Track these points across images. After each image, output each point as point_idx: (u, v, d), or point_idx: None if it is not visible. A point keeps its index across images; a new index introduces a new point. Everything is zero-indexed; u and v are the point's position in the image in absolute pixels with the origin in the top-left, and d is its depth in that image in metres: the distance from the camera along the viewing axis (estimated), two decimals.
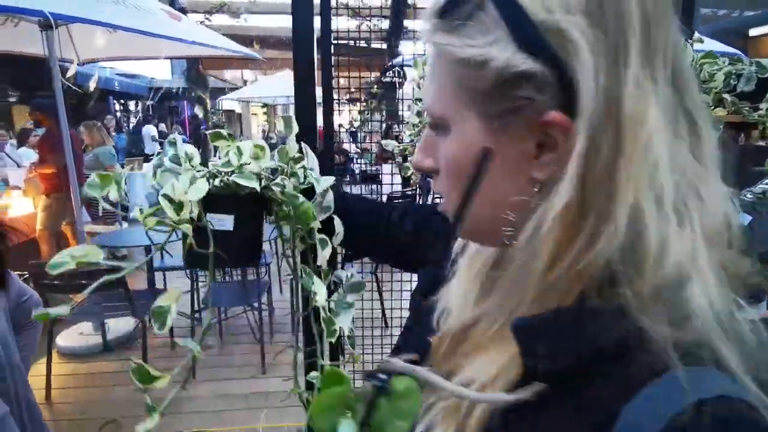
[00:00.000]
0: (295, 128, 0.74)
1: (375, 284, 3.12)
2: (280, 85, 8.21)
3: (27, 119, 6.11)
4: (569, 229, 0.33)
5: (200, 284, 3.00)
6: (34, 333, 1.31)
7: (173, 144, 0.68)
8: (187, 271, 2.93)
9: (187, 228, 0.60)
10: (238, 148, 0.68)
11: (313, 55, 1.48)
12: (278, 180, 0.66)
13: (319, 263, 0.72)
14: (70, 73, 2.58)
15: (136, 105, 12.86)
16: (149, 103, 11.89)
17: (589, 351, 0.32)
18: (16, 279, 1.23)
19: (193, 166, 0.65)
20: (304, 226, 0.67)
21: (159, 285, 3.29)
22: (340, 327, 0.70)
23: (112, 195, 0.63)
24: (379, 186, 6.41)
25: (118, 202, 0.63)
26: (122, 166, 6.21)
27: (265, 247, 0.78)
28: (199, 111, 9.51)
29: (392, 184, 4.13)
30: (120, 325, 3.14)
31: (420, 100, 1.14)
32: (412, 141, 1.28)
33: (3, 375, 0.88)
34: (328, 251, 0.71)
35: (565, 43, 0.32)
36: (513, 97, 0.34)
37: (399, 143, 1.37)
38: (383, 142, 1.29)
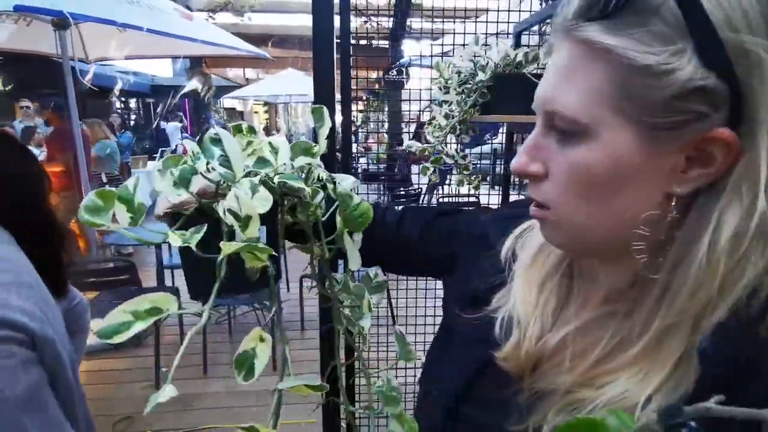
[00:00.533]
0: (328, 122, 0.64)
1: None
2: (283, 83, 8.23)
3: (22, 116, 6.07)
4: (745, 246, 0.34)
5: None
6: (82, 339, 1.23)
7: (217, 141, 0.51)
8: None
9: (263, 247, 0.48)
10: (271, 144, 0.58)
11: (333, 56, 1.50)
12: (325, 176, 0.59)
13: (352, 268, 0.62)
14: (88, 77, 2.59)
15: (137, 102, 12.84)
16: (146, 100, 11.88)
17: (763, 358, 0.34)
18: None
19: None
20: (357, 228, 0.60)
21: (165, 284, 3.31)
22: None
23: (122, 218, 0.46)
24: (381, 185, 6.47)
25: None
26: (127, 165, 6.23)
27: None
28: (214, 114, 9.54)
29: (419, 184, 4.16)
30: None
31: (447, 102, 1.16)
32: (432, 143, 1.30)
33: (72, 398, 0.78)
34: (358, 257, 0.60)
35: (747, 63, 0.32)
36: (685, 111, 0.34)
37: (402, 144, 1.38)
38: (408, 143, 1.30)
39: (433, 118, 1.29)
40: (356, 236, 0.63)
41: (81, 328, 1.17)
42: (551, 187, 0.40)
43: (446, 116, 1.12)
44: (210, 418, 2.33)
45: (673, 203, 0.36)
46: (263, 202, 0.50)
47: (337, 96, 1.49)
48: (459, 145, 1.33)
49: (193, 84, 9.05)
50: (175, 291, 2.96)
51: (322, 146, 0.61)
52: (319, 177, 0.61)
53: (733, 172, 0.34)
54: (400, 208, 0.72)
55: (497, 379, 0.47)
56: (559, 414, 0.40)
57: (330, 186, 0.60)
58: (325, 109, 0.64)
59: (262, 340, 0.48)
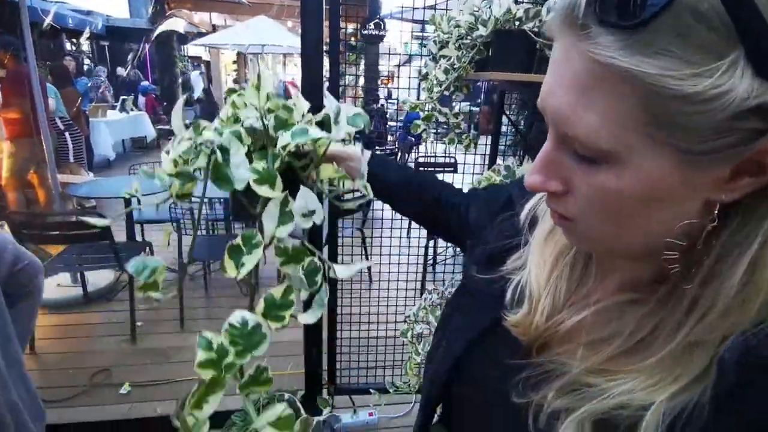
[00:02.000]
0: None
1: (361, 240, 3.17)
2: (254, 32, 7.76)
3: None
4: None
5: (184, 238, 2.96)
6: (31, 305, 1.06)
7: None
8: (173, 224, 2.87)
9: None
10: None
11: (323, 6, 1.42)
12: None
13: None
14: (49, 19, 2.37)
15: (91, 45, 11.89)
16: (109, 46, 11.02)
17: None
18: (9, 242, 0.99)
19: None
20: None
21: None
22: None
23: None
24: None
25: None
26: (85, 113, 5.84)
27: None
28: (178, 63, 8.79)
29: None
30: (99, 278, 3.09)
31: (445, 57, 1.14)
32: (419, 101, 1.29)
33: None
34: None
35: None
36: (738, 130, 0.28)
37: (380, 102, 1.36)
38: (403, 98, 1.28)
39: (427, 74, 1.27)
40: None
41: (29, 292, 1.03)
42: (574, 203, 0.36)
43: (446, 71, 1.11)
44: (189, 369, 2.34)
45: (716, 211, 0.33)
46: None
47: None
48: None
49: (172, 24, 8.00)
50: (148, 245, 2.89)
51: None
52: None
53: None
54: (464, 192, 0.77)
55: (506, 341, 0.47)
56: (562, 394, 0.39)
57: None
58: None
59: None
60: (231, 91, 0.69)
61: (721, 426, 0.32)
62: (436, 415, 0.58)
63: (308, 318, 0.64)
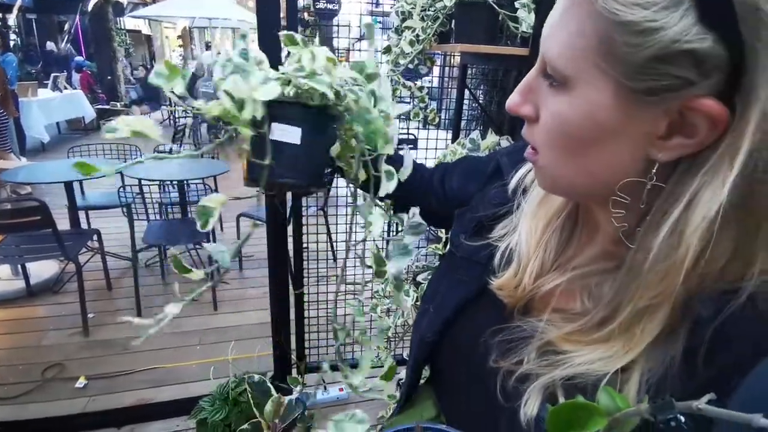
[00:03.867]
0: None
1: (324, 219, 3.14)
2: (199, 3, 7.28)
3: None
4: (715, 230, 0.31)
5: (137, 223, 2.81)
6: None
7: (244, 37, 0.60)
8: (123, 209, 2.72)
9: (246, 131, 0.53)
10: (312, 53, 0.60)
11: None
12: (353, 88, 0.57)
13: (381, 194, 0.62)
14: None
15: (19, 18, 10.83)
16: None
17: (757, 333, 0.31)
18: None
19: (262, 69, 0.57)
20: (373, 143, 0.59)
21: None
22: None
23: (178, 89, 0.53)
24: None
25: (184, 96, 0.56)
26: (14, 92, 5.35)
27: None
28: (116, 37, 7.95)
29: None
30: (42, 269, 2.89)
31: (410, 28, 1.12)
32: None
33: None
34: (393, 184, 0.61)
35: (756, 23, 0.26)
36: (665, 75, 0.29)
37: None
38: None
39: (389, 47, 1.25)
40: (403, 172, 0.62)
41: None
42: (540, 133, 0.38)
43: (411, 43, 1.09)
44: (154, 359, 2.27)
45: (654, 170, 0.33)
46: (267, 93, 0.53)
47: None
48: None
49: None
50: (95, 233, 2.73)
51: (370, 65, 0.60)
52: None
53: (719, 146, 0.30)
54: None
55: (491, 307, 0.48)
56: (530, 360, 0.40)
57: (351, 96, 0.59)
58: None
59: (222, 204, 0.52)
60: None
61: (694, 375, 0.32)
62: (422, 379, 0.59)
63: (396, 265, 0.59)
